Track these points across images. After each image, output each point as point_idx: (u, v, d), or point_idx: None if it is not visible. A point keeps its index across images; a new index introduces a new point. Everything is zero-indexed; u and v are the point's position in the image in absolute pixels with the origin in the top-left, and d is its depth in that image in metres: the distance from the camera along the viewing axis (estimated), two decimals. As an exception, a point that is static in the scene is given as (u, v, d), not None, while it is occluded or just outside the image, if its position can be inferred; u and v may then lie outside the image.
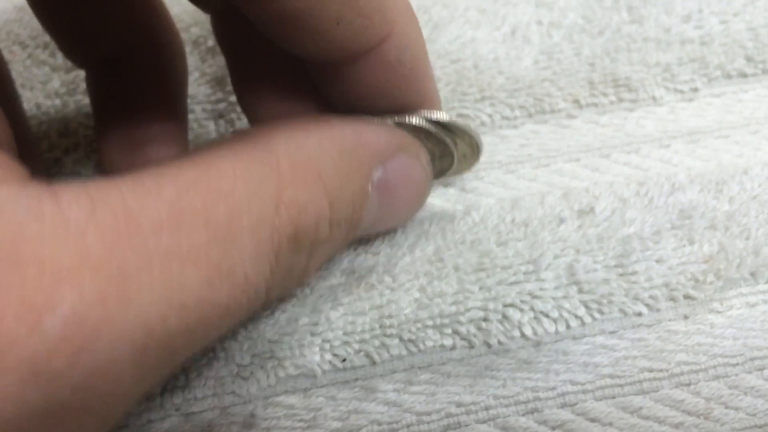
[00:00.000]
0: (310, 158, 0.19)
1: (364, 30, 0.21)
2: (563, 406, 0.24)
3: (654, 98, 0.30)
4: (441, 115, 0.25)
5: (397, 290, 0.24)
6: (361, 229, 0.22)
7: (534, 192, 0.28)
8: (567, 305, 0.24)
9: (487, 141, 0.30)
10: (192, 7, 0.30)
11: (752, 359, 0.24)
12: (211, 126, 0.30)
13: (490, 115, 0.30)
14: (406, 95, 0.23)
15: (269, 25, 0.21)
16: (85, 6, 0.25)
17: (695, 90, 0.30)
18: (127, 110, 0.26)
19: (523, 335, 0.24)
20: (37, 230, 0.14)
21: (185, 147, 0.27)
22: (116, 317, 0.14)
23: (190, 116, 0.30)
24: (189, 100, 0.30)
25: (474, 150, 0.27)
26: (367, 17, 0.21)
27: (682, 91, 0.30)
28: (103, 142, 0.26)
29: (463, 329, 0.24)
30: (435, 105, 0.25)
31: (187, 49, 0.31)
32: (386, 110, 0.24)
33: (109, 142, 0.26)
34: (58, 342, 0.14)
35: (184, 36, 0.32)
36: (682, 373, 0.24)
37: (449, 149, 0.26)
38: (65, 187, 0.15)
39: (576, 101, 0.30)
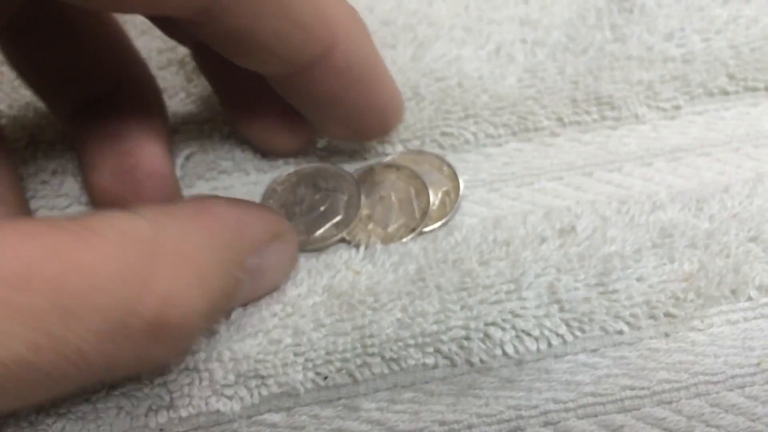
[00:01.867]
0: (191, 250, 0.19)
1: (307, 43, 0.22)
2: (546, 424, 0.24)
3: (637, 116, 0.30)
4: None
5: (379, 310, 0.25)
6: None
7: (517, 211, 0.28)
8: (548, 324, 0.24)
9: (471, 159, 0.30)
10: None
11: (733, 377, 0.24)
12: (196, 144, 0.30)
13: (474, 133, 0.30)
14: (361, 97, 0.25)
15: (220, 45, 0.22)
16: (62, 55, 0.25)
17: (677, 108, 0.31)
18: (112, 142, 0.26)
19: (505, 354, 0.24)
20: None
21: (173, 167, 0.28)
22: None
23: (175, 137, 0.30)
24: (175, 120, 0.30)
25: (454, 182, 0.29)
26: (307, 30, 0.22)
27: (664, 109, 0.31)
28: (92, 172, 0.26)
29: (445, 348, 0.24)
30: (392, 102, 0.26)
31: (173, 69, 0.32)
32: (347, 114, 0.25)
33: (98, 170, 0.26)
34: None
35: (170, 56, 0.32)
36: (663, 391, 0.24)
37: (422, 183, 0.28)
38: None
39: (559, 119, 0.30)
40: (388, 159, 0.30)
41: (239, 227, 0.22)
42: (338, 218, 0.27)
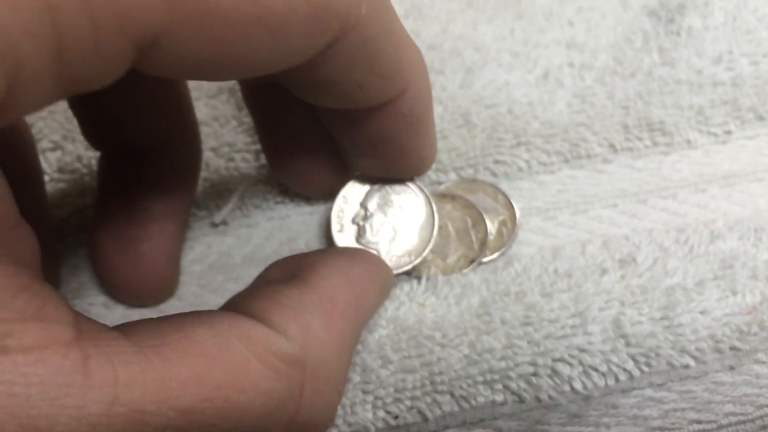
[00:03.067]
0: (329, 365, 0.20)
1: (384, 90, 0.22)
2: (612, 458, 0.24)
3: (688, 141, 0.31)
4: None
5: (446, 347, 0.25)
6: None
7: (574, 240, 0.28)
8: (615, 359, 0.24)
9: (524, 187, 0.30)
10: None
11: (798, 409, 0.24)
12: (252, 173, 0.30)
13: (527, 161, 0.30)
14: (412, 141, 0.25)
15: (298, 88, 0.22)
16: (117, 102, 0.25)
17: (728, 132, 0.31)
18: (131, 202, 0.26)
19: (573, 389, 0.24)
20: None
21: (179, 247, 0.28)
22: None
23: (230, 164, 0.30)
24: (228, 149, 0.30)
25: (510, 211, 0.29)
26: (387, 79, 0.22)
27: (715, 134, 0.31)
28: (99, 228, 0.26)
29: (513, 384, 0.24)
30: (434, 147, 0.26)
31: (224, 97, 0.32)
32: (391, 154, 0.25)
33: (105, 230, 0.26)
34: None
35: (221, 84, 0.32)
36: (730, 424, 0.24)
37: (478, 213, 0.28)
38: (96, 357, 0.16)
39: (611, 146, 0.30)
40: (441, 188, 0.30)
41: (360, 310, 0.22)
42: (413, 245, 0.27)
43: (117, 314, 0.27)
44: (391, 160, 0.26)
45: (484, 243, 0.28)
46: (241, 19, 0.16)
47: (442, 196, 0.29)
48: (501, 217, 0.29)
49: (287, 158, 0.27)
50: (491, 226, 0.28)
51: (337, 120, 0.25)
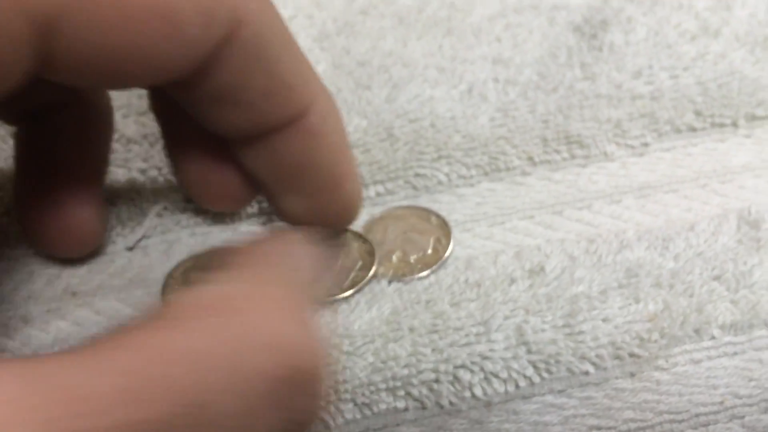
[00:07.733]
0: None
1: (289, 101, 0.22)
2: (515, 463, 0.25)
3: (606, 154, 0.31)
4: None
5: (352, 355, 0.25)
6: None
7: (488, 251, 0.29)
8: (516, 366, 0.25)
9: (444, 200, 0.30)
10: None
11: (697, 415, 0.25)
12: (175, 188, 0.30)
13: (447, 174, 0.31)
14: (328, 165, 0.24)
15: (202, 106, 0.22)
16: None
17: (646, 145, 0.31)
18: (46, 168, 0.26)
19: (473, 396, 0.25)
20: None
21: (103, 208, 0.28)
22: None
23: (155, 185, 0.31)
24: (156, 172, 0.31)
25: (444, 230, 0.30)
26: (292, 89, 0.22)
27: (632, 147, 0.31)
28: (24, 194, 0.27)
29: (415, 391, 0.25)
30: (353, 176, 0.26)
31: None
32: (309, 185, 0.25)
33: (27, 202, 0.27)
34: None
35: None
36: (629, 431, 0.25)
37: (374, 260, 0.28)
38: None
39: (530, 158, 0.31)
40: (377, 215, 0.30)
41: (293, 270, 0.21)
42: None
43: (34, 328, 0.27)
44: (313, 196, 0.25)
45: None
46: (135, 3, 0.17)
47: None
48: (435, 236, 0.29)
49: (192, 168, 0.27)
50: (427, 244, 0.29)
51: (249, 147, 0.24)
